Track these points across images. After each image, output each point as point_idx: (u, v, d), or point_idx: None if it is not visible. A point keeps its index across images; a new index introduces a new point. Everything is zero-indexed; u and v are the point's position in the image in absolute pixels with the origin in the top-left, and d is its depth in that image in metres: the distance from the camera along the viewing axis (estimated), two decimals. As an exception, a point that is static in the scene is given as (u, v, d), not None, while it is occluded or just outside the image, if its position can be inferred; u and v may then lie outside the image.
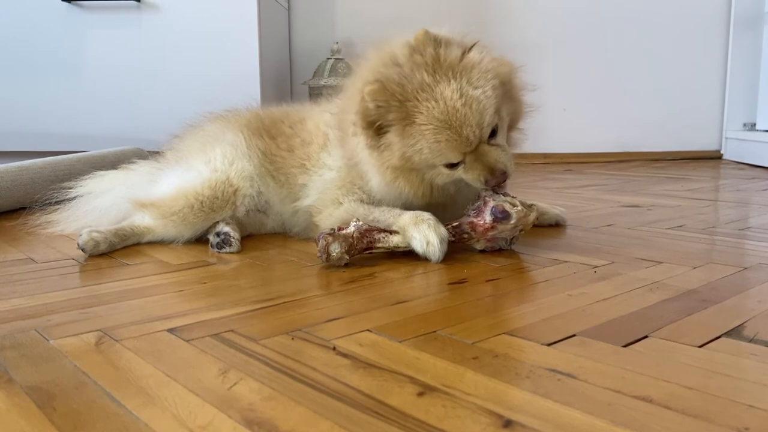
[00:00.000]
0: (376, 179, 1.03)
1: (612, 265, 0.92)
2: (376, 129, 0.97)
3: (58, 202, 1.27)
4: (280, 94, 2.60)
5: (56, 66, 2.19)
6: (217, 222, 1.11)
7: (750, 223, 1.30)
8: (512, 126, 1.04)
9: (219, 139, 1.17)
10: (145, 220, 1.11)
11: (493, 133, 0.97)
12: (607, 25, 2.77)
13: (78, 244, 1.02)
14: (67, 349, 0.61)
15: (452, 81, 0.94)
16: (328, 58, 2.49)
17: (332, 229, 0.95)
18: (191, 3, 2.16)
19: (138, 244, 1.11)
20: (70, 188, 1.27)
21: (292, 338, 0.64)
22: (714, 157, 2.85)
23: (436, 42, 0.96)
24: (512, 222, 0.97)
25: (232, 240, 1.06)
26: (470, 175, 0.97)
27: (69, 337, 0.65)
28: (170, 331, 0.66)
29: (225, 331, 0.66)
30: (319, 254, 0.93)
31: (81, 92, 2.20)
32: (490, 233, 0.98)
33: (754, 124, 2.76)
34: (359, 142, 1.01)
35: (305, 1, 2.79)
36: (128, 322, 0.70)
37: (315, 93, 2.43)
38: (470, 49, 0.98)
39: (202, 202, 1.09)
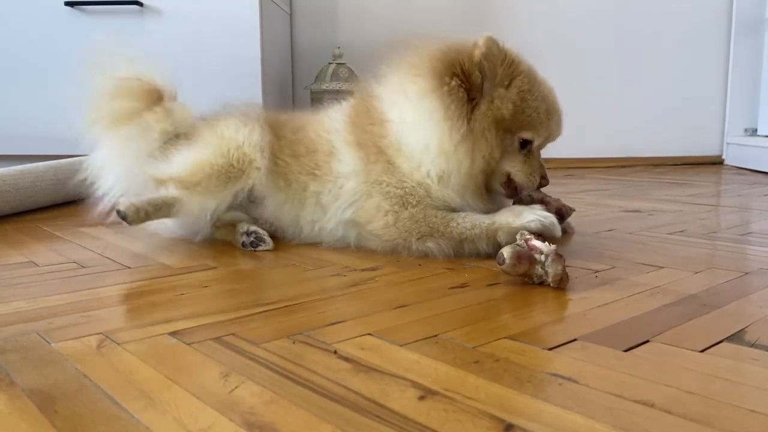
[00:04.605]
0: (436, 141, 1.00)
1: (613, 270, 0.92)
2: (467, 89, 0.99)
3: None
4: (282, 98, 2.60)
5: (58, 69, 2.19)
6: (237, 223, 1.12)
7: (751, 228, 1.30)
8: None
9: (231, 117, 1.19)
10: (171, 192, 1.10)
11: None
12: (608, 30, 2.78)
13: (119, 212, 1.02)
14: (68, 352, 0.62)
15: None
16: (330, 63, 2.49)
17: (518, 245, 0.85)
18: (193, 7, 2.16)
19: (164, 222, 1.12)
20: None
21: (294, 342, 0.64)
22: (715, 163, 2.85)
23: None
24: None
25: (265, 237, 1.09)
26: (526, 167, 1.05)
27: (70, 340, 0.65)
28: (172, 334, 0.66)
29: (226, 335, 0.66)
30: (534, 280, 0.84)
31: (83, 96, 2.20)
32: None
33: (756, 130, 2.76)
34: (426, 105, 1.00)
35: (307, 6, 2.80)
36: (130, 325, 0.70)
37: (317, 97, 2.43)
38: None
39: (218, 171, 1.10)
